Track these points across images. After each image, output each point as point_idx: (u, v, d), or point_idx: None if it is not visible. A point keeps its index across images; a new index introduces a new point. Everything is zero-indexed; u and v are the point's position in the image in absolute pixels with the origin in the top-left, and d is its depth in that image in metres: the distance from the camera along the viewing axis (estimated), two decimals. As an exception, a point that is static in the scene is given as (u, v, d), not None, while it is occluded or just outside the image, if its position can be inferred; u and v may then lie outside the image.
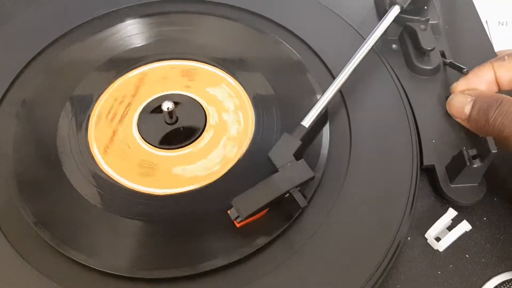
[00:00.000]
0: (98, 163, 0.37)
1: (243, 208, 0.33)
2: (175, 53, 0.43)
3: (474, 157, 0.35)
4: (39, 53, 0.43)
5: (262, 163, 0.35)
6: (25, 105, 0.40)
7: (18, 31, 0.45)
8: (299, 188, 0.34)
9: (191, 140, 0.38)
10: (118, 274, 0.32)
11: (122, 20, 0.45)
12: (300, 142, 0.35)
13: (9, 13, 0.48)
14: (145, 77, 0.42)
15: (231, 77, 0.42)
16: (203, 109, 0.40)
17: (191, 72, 0.42)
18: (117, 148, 0.38)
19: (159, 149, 0.38)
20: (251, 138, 0.38)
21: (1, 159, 0.37)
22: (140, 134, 0.38)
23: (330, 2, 0.47)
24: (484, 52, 0.45)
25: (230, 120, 0.39)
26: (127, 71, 0.42)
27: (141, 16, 0.45)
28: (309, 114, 0.37)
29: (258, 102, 0.40)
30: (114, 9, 0.46)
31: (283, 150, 0.35)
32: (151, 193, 0.36)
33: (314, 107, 0.37)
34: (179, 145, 0.38)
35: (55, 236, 0.33)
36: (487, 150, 0.34)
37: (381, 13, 0.47)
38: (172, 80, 0.41)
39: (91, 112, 0.40)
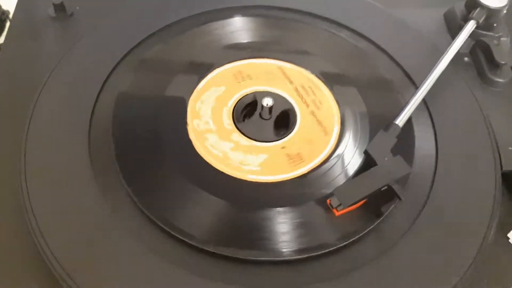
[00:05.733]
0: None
1: (345, 198, 0.35)
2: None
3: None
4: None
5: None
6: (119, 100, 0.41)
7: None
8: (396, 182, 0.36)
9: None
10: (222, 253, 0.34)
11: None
12: (395, 140, 0.37)
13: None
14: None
15: (326, 87, 0.43)
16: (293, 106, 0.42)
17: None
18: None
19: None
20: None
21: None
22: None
23: (404, 17, 0.50)
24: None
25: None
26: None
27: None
28: (401, 114, 0.39)
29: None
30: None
31: (380, 146, 0.37)
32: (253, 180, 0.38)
33: (405, 108, 0.39)
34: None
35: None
36: None
37: (452, 27, 0.50)
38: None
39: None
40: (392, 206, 0.36)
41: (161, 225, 0.34)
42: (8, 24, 0.55)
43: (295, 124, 0.41)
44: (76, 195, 0.36)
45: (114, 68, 0.43)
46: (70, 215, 0.35)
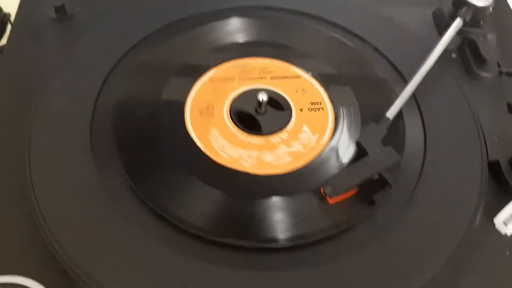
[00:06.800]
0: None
1: (338, 186, 0.36)
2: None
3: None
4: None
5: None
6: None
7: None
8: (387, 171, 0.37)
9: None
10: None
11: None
12: (386, 131, 0.39)
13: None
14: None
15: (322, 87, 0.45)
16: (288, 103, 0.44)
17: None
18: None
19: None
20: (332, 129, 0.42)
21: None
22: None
23: (393, 16, 0.52)
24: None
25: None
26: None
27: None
28: (392, 107, 0.41)
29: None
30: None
31: (371, 137, 0.39)
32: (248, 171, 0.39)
33: (395, 102, 0.41)
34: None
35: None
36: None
37: (440, 25, 0.52)
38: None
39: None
40: (384, 194, 0.38)
41: (154, 208, 0.36)
42: (9, 26, 0.56)
43: (291, 117, 0.42)
44: (77, 180, 0.38)
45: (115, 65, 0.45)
46: (70, 199, 0.37)
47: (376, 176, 0.37)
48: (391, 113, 0.40)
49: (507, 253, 0.39)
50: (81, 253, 0.34)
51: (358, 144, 0.39)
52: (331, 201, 0.37)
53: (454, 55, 0.50)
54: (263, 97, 0.41)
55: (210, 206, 0.37)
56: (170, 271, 0.34)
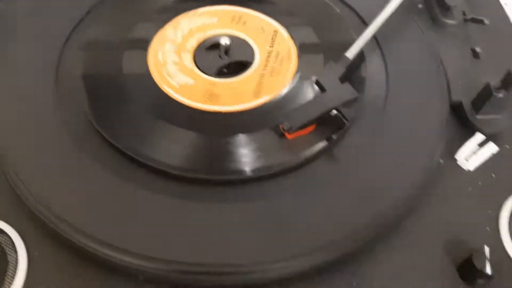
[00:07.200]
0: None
1: (295, 120, 0.36)
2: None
3: (498, 89, 0.39)
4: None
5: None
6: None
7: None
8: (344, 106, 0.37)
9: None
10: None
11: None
12: (344, 69, 0.39)
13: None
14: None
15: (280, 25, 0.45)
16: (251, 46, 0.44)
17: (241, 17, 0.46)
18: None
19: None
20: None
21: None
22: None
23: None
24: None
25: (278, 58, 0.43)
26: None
27: None
28: (351, 47, 0.41)
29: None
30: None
31: (329, 75, 0.39)
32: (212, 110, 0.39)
33: (355, 43, 0.41)
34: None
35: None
36: (510, 80, 0.38)
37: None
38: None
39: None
40: (343, 131, 0.38)
41: (115, 143, 0.37)
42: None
43: (253, 61, 0.43)
44: (39, 118, 0.39)
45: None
46: (32, 137, 0.38)
47: (334, 112, 0.37)
48: (350, 52, 0.40)
49: (470, 188, 0.39)
50: (42, 187, 0.35)
51: (317, 83, 0.39)
52: (289, 136, 0.37)
53: (420, 6, 0.50)
54: (225, 41, 0.41)
55: (172, 143, 0.37)
56: (127, 204, 0.34)
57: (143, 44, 0.43)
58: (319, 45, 0.44)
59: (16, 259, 0.34)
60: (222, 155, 0.37)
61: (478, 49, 0.46)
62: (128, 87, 0.40)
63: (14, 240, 0.35)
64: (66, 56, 0.43)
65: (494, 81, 0.40)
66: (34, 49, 0.43)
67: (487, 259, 0.33)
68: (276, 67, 0.42)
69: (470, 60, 0.45)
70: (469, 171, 0.40)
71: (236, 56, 0.43)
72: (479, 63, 0.45)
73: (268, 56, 0.43)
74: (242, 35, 0.45)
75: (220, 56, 0.43)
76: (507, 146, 0.41)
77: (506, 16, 0.51)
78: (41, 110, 0.39)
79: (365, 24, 0.46)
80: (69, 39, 0.44)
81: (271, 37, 0.45)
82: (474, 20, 0.47)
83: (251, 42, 0.44)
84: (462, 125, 0.42)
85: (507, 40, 0.48)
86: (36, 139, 0.38)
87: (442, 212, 0.37)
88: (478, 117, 0.41)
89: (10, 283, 0.33)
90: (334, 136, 0.37)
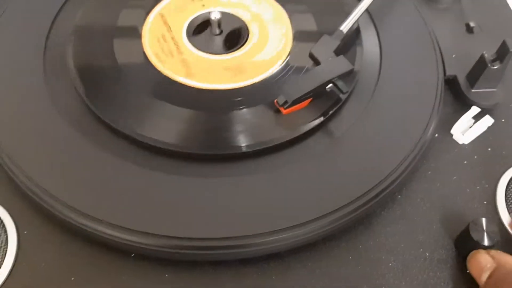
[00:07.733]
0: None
1: (290, 94, 0.36)
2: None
3: (493, 60, 0.39)
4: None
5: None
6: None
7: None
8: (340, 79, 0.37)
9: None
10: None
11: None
12: (338, 42, 0.39)
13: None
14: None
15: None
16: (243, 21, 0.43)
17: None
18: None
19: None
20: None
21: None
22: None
23: None
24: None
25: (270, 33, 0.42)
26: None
27: None
28: (346, 21, 0.40)
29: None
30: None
31: (324, 48, 0.38)
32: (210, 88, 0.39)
33: (349, 16, 0.40)
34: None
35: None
36: (506, 50, 0.38)
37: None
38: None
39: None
40: (338, 105, 0.37)
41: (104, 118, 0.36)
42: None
43: (247, 35, 0.42)
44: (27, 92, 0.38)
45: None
46: (21, 112, 0.37)
47: (329, 85, 0.37)
48: (344, 26, 0.40)
49: (465, 162, 0.39)
50: (31, 164, 0.34)
51: (311, 55, 0.38)
52: (284, 111, 0.36)
53: (414, -18, 0.49)
54: (215, 16, 0.41)
55: (166, 119, 0.36)
56: (120, 181, 0.34)
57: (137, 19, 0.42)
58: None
59: (6, 239, 0.33)
60: (219, 131, 0.36)
61: (472, 24, 0.45)
62: (120, 62, 0.39)
63: (3, 219, 0.34)
64: (55, 31, 0.42)
65: (489, 54, 0.39)
66: (23, 23, 0.42)
67: (484, 230, 0.32)
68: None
69: (464, 35, 0.45)
70: (465, 145, 0.39)
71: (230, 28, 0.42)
72: (473, 38, 0.45)
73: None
74: (229, 10, 0.44)
75: (212, 31, 0.42)
76: (503, 119, 0.41)
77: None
78: (29, 85, 0.38)
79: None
80: (58, 14, 0.43)
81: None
82: (467, -6, 0.47)
83: (239, 14, 0.43)
84: (457, 99, 0.42)
85: (501, 14, 0.48)
86: (24, 114, 0.37)
87: (438, 186, 0.37)
88: (473, 90, 0.41)
89: (0, 263, 0.32)
90: (330, 112, 0.37)
